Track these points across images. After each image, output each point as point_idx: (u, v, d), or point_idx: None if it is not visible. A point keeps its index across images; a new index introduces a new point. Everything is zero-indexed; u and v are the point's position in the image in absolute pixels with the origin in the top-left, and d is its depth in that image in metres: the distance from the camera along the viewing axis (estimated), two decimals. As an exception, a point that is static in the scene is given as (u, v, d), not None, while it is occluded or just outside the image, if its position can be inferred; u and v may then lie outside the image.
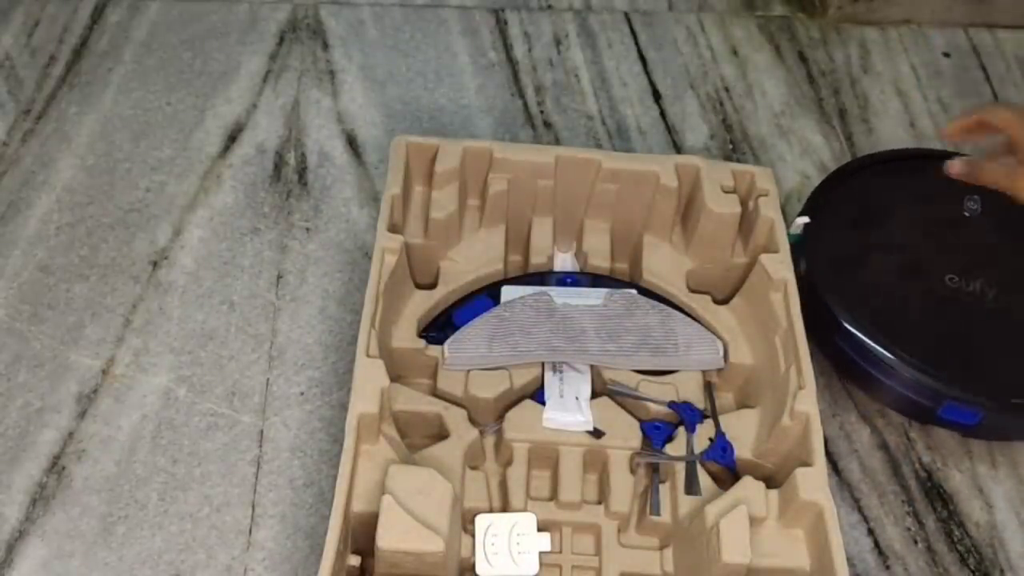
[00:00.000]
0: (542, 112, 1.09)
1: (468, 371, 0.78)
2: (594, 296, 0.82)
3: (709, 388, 0.80)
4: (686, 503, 0.73)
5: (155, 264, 0.94)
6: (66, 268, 0.93)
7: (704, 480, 0.74)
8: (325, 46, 1.13)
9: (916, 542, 0.81)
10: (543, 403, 0.77)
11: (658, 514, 0.73)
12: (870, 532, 0.82)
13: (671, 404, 0.77)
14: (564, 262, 0.88)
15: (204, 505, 0.79)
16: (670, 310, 0.83)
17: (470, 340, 0.79)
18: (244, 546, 0.77)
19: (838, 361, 0.87)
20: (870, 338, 0.83)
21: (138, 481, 0.80)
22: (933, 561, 0.80)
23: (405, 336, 0.80)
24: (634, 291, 0.84)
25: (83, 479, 0.80)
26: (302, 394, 0.86)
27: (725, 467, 0.75)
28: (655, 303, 0.83)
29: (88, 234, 0.95)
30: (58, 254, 0.94)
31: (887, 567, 0.80)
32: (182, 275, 0.93)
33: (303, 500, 0.80)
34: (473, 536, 0.69)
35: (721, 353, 0.81)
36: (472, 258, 0.86)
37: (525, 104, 1.10)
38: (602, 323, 0.80)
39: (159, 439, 0.83)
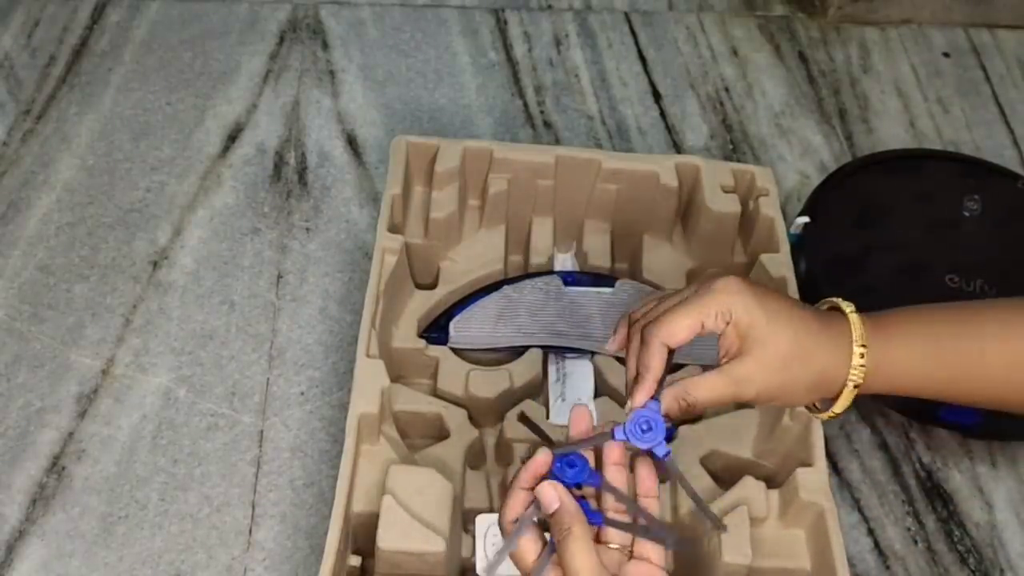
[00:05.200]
0: (542, 112, 1.09)
1: (468, 372, 0.78)
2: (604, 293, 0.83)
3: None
4: (686, 502, 0.73)
5: (155, 264, 0.94)
6: (66, 268, 0.93)
7: (705, 480, 0.74)
8: (325, 46, 1.13)
9: (916, 542, 0.81)
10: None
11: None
12: (870, 532, 0.82)
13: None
14: (564, 262, 0.88)
15: (204, 505, 0.79)
16: None
17: (476, 319, 0.79)
18: (244, 546, 0.77)
19: (838, 361, 0.86)
20: (870, 338, 0.83)
21: (138, 481, 0.80)
22: (933, 561, 0.80)
23: (405, 336, 0.80)
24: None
25: (83, 479, 0.80)
26: (302, 394, 0.86)
27: (648, 451, 0.57)
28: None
29: (88, 234, 0.95)
30: (58, 254, 0.94)
31: (887, 567, 0.80)
32: (182, 275, 0.93)
33: (303, 500, 0.80)
34: (473, 536, 0.69)
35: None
36: (472, 258, 0.86)
37: (525, 104, 1.10)
38: (608, 311, 0.80)
39: (159, 439, 0.83)
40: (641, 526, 0.56)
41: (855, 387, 0.57)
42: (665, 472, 0.56)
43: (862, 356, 0.56)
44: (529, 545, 0.54)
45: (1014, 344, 0.56)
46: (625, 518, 0.56)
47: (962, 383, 0.57)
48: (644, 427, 0.55)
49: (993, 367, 0.56)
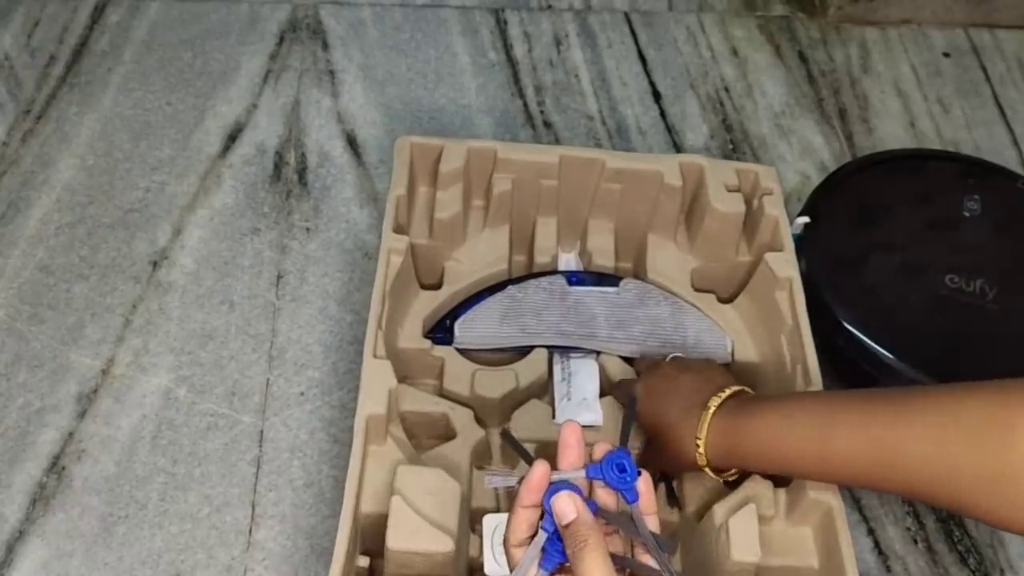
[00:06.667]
0: (542, 112, 1.09)
1: (474, 372, 0.78)
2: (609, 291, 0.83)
3: (632, 403, 0.66)
4: (693, 501, 0.73)
5: (155, 264, 0.93)
6: (66, 268, 0.92)
7: (706, 481, 0.74)
8: (325, 46, 1.13)
9: (916, 542, 0.81)
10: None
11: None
12: (870, 532, 0.82)
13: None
14: (568, 262, 0.88)
15: (204, 505, 0.79)
16: (682, 303, 0.83)
17: (481, 319, 0.79)
18: (244, 546, 0.77)
19: (838, 361, 0.87)
20: (870, 338, 0.83)
21: (138, 481, 0.80)
22: (933, 561, 0.80)
23: (411, 337, 0.80)
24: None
25: (83, 479, 0.80)
26: (302, 394, 0.86)
27: (619, 492, 0.56)
28: (668, 295, 0.83)
29: (88, 234, 0.95)
30: (58, 254, 0.93)
31: (887, 567, 0.80)
32: (182, 275, 0.93)
33: (303, 500, 0.80)
34: (481, 536, 0.68)
35: (729, 350, 0.82)
36: (477, 258, 0.85)
37: (525, 104, 1.10)
38: (612, 311, 0.80)
39: (159, 439, 0.82)
40: (642, 564, 0.55)
41: (707, 467, 0.67)
42: (630, 517, 0.56)
43: (698, 447, 0.66)
44: None
45: (850, 431, 0.60)
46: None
47: (814, 468, 0.63)
48: (619, 468, 0.55)
49: (840, 453, 0.60)
